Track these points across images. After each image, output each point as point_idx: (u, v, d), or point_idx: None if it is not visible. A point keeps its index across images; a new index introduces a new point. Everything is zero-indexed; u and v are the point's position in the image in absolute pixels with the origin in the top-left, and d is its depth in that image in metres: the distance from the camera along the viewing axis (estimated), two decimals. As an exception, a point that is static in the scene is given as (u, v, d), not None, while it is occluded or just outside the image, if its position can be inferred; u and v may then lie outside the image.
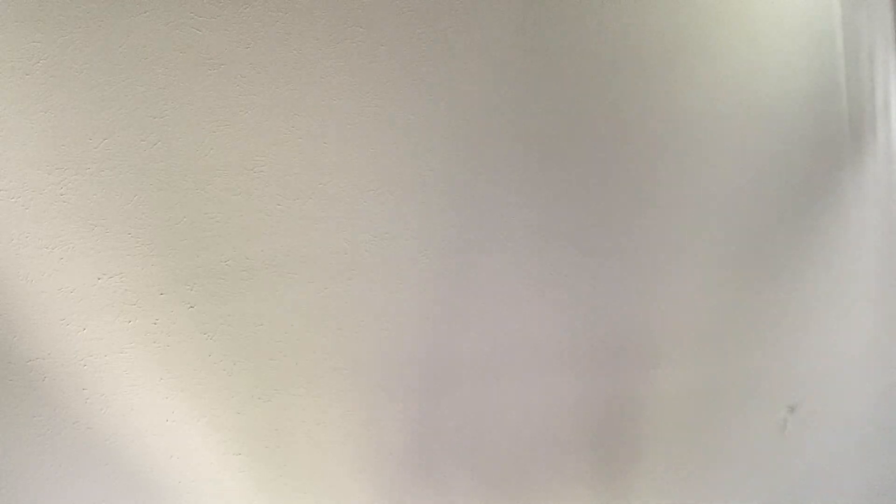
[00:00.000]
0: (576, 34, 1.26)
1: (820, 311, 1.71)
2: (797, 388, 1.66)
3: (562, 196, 1.25)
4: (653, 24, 1.36)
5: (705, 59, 1.45)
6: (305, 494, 1.04)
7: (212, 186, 0.93)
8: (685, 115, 1.42)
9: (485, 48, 1.15)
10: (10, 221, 0.82)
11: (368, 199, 1.05)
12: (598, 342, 1.31)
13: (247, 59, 0.95)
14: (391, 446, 1.09)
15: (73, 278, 0.85)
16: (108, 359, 0.88)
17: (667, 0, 1.39)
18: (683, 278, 1.44)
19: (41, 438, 0.85)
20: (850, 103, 1.78)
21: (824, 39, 1.72)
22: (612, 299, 1.33)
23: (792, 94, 1.64)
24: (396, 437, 1.10)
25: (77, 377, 0.86)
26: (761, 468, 1.60)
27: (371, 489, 1.08)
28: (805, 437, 1.67)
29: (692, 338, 1.46)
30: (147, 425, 0.91)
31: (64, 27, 0.83)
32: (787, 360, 1.64)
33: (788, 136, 1.63)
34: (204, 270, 0.93)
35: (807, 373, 1.68)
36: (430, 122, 1.10)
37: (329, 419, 1.03)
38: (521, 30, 1.19)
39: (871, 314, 1.85)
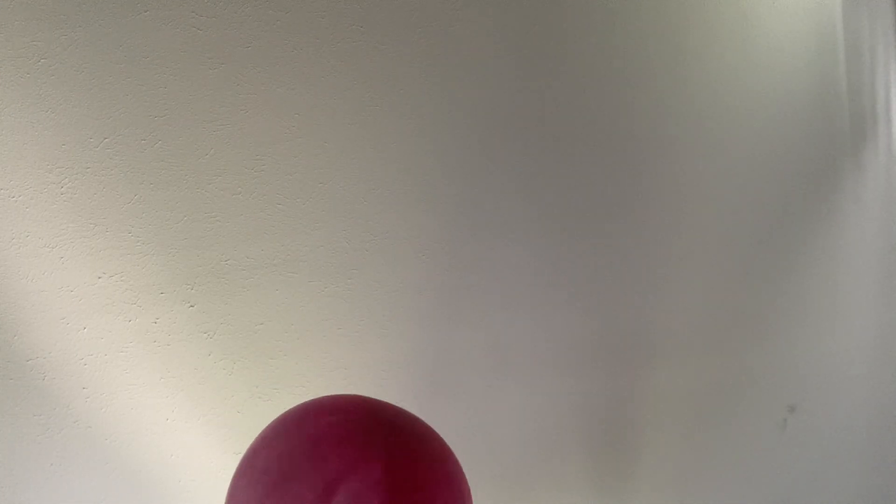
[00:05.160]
0: (579, 33, 1.26)
1: (820, 311, 1.71)
2: (797, 388, 1.66)
3: (562, 195, 1.25)
4: (653, 23, 1.37)
5: (705, 58, 1.45)
6: (305, 494, 1.04)
7: (212, 186, 0.94)
8: (685, 114, 1.42)
9: (486, 46, 1.15)
10: (11, 221, 0.82)
11: (368, 199, 1.05)
12: (599, 341, 1.31)
13: (247, 59, 0.95)
14: (391, 446, 1.09)
15: (73, 277, 0.86)
16: (109, 358, 0.88)
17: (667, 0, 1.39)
18: (684, 278, 1.44)
19: (41, 437, 0.85)
20: (850, 103, 1.78)
21: (825, 39, 1.72)
22: (612, 299, 1.33)
23: (792, 94, 1.64)
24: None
25: (77, 376, 0.86)
26: (761, 468, 1.60)
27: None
28: (805, 437, 1.67)
29: (692, 337, 1.46)
30: (147, 424, 0.91)
31: (64, 27, 0.84)
32: (787, 360, 1.64)
33: (789, 135, 1.63)
34: (204, 270, 0.94)
35: (807, 373, 1.68)
36: (430, 120, 1.10)
37: (329, 418, 1.03)
38: (523, 28, 1.19)
39: (872, 314, 1.85)
